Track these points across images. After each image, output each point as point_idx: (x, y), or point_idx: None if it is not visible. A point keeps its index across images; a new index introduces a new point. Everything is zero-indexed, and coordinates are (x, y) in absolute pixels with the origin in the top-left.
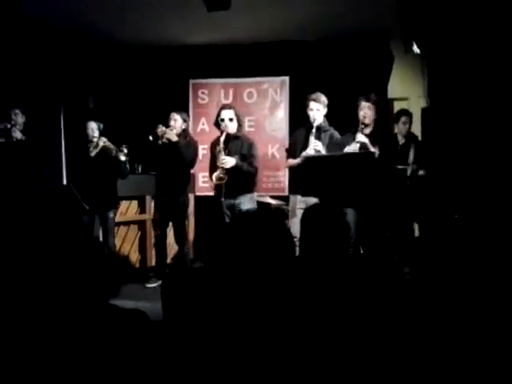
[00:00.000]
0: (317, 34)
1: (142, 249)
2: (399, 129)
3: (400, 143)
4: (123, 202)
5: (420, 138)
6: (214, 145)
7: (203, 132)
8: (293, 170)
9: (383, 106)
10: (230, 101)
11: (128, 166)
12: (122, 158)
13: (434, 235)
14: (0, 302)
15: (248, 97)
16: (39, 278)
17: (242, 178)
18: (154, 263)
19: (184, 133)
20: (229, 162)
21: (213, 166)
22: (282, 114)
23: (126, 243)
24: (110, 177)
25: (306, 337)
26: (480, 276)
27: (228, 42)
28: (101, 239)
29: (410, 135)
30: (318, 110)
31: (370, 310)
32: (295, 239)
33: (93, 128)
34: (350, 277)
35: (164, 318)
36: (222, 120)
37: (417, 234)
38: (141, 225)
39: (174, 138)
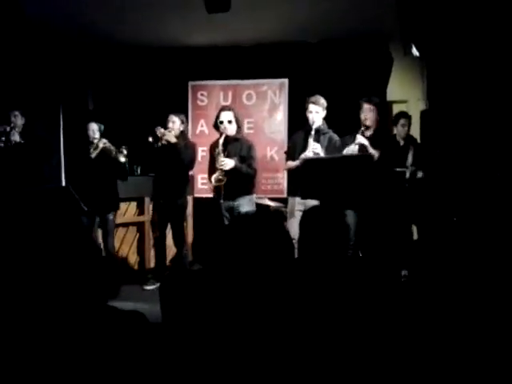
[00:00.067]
0: (316, 36)
1: (141, 250)
2: (398, 131)
3: (399, 145)
4: (122, 203)
5: (419, 141)
6: (213, 147)
7: (202, 134)
8: (292, 172)
9: (382, 109)
10: (229, 103)
11: (128, 167)
12: (122, 159)
13: (432, 238)
14: None
15: (247, 99)
16: (37, 278)
17: (241, 180)
18: (152, 265)
19: (182, 135)
20: (228, 163)
21: (212, 168)
22: (281, 117)
23: (125, 245)
24: (110, 178)
25: (304, 339)
26: (478, 279)
27: (228, 43)
28: (100, 241)
29: (408, 138)
30: (317, 113)
31: (368, 312)
32: (293, 241)
33: (94, 129)
34: (349, 279)
35: (163, 319)
36: (221, 122)
37: (415, 236)
38: (139, 226)
39: (173, 140)
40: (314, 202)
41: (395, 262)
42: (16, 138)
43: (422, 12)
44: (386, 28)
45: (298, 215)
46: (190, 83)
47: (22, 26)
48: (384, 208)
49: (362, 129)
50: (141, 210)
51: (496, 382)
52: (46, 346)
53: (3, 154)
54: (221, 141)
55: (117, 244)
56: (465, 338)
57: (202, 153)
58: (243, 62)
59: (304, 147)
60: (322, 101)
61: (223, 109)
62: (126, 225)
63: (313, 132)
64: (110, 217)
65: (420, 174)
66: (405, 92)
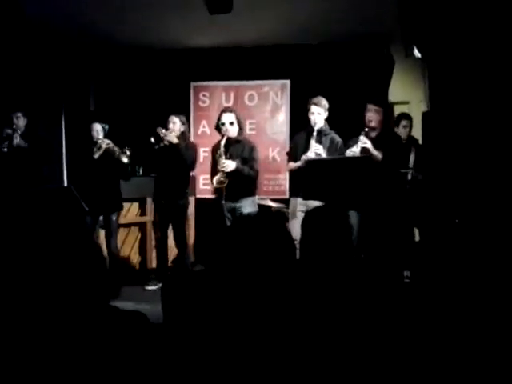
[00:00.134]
0: (318, 38)
1: (143, 251)
2: (399, 132)
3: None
4: (124, 203)
5: (421, 142)
6: (215, 149)
7: (204, 134)
8: (293, 173)
9: (388, 110)
10: (231, 103)
11: (130, 168)
12: (125, 160)
13: (434, 240)
14: (0, 302)
15: (249, 100)
16: (39, 278)
17: (243, 182)
18: (154, 265)
19: (183, 135)
20: (229, 165)
21: (214, 170)
22: (282, 118)
23: (127, 245)
24: (113, 179)
25: (306, 341)
26: (480, 281)
27: (230, 44)
28: (103, 241)
29: (410, 139)
30: (318, 114)
31: (370, 313)
32: (295, 242)
33: (97, 130)
34: (350, 280)
35: (164, 320)
36: (223, 124)
37: (417, 238)
38: (141, 227)
39: (175, 140)
40: (315, 203)
41: (397, 263)
42: (19, 141)
43: (423, 13)
44: (387, 29)
45: (300, 216)
46: (192, 84)
47: (22, 26)
48: (386, 209)
49: (366, 130)
50: (143, 211)
51: (497, 382)
52: (47, 346)
53: (6, 158)
54: (222, 143)
55: (119, 244)
56: (467, 340)
57: (203, 153)
58: (245, 63)
59: (306, 148)
60: (324, 102)
61: (225, 110)
62: (128, 225)
63: (315, 133)
64: (114, 217)
65: (421, 177)
66: (406, 93)
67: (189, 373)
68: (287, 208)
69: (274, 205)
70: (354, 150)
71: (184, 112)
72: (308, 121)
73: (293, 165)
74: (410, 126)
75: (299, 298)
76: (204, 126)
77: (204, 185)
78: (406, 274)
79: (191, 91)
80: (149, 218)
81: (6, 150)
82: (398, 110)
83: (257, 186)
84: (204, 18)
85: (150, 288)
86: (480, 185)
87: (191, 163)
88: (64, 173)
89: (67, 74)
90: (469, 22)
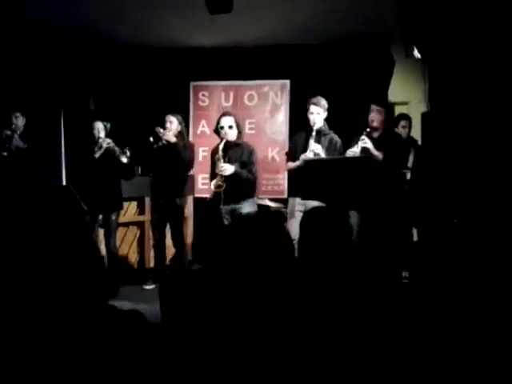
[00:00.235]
0: (318, 38)
1: (141, 250)
2: (399, 133)
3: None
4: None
5: (420, 143)
6: (214, 152)
7: (203, 134)
8: (292, 173)
9: (391, 111)
10: (230, 103)
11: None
12: (124, 160)
13: (432, 240)
14: None
15: (249, 99)
16: (37, 278)
17: (242, 185)
18: (152, 265)
19: (180, 135)
20: (227, 169)
21: (213, 174)
22: (282, 117)
23: (125, 244)
24: (113, 178)
25: (304, 340)
26: (479, 280)
27: (229, 44)
28: (102, 240)
29: (409, 139)
30: (318, 114)
31: (369, 313)
32: (293, 241)
33: (99, 128)
34: (349, 280)
35: (162, 319)
36: (222, 127)
37: (415, 238)
38: (139, 226)
39: (173, 139)
40: (313, 203)
41: (396, 264)
42: (18, 142)
43: (423, 13)
44: (387, 29)
45: (299, 216)
46: (192, 84)
47: (22, 25)
48: (385, 209)
49: (368, 130)
50: (141, 210)
51: (497, 382)
52: (45, 346)
53: (6, 160)
54: (221, 146)
55: (117, 243)
56: (465, 340)
57: (202, 153)
58: (245, 63)
59: (305, 148)
60: (323, 102)
61: (224, 114)
62: (126, 224)
63: (314, 133)
64: (113, 216)
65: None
66: (406, 94)
67: (187, 372)
68: (286, 208)
69: (272, 204)
70: (354, 150)
71: (183, 111)
72: (307, 121)
73: (291, 165)
74: (409, 127)
75: (297, 297)
76: (203, 126)
77: (203, 184)
78: (404, 274)
79: (191, 91)
80: (147, 217)
81: (5, 153)
82: (397, 110)
83: (256, 188)
84: (204, 18)
85: (147, 287)
86: (478, 185)
87: (189, 162)
88: (63, 172)
89: (67, 73)
90: (469, 22)
